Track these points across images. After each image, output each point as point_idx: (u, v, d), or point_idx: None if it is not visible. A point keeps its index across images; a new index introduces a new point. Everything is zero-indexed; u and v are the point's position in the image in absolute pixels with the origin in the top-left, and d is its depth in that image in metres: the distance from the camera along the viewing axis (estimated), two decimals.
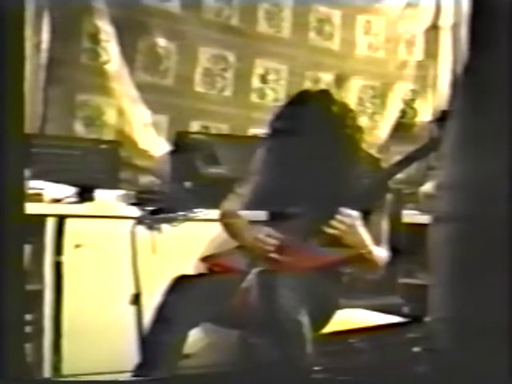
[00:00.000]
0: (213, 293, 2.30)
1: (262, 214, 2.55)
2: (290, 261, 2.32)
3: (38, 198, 2.74)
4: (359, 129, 2.54)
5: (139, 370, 2.32)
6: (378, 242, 2.42)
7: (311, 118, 2.45)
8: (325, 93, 2.63)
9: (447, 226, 1.27)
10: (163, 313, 2.31)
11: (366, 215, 2.42)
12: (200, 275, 2.47)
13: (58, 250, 2.76)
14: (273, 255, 2.34)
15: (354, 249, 2.33)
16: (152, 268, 2.50)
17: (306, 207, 2.34)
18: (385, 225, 2.49)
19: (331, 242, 2.33)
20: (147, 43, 3.68)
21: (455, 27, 4.45)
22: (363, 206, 2.39)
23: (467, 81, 1.29)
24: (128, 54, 3.62)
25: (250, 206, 2.54)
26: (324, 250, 2.35)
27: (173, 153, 3.40)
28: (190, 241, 2.82)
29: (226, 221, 2.56)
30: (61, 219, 2.77)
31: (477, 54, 1.26)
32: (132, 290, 2.47)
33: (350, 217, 2.30)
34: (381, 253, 2.43)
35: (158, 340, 2.31)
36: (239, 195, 2.55)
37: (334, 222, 2.29)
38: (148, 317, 2.37)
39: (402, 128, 4.41)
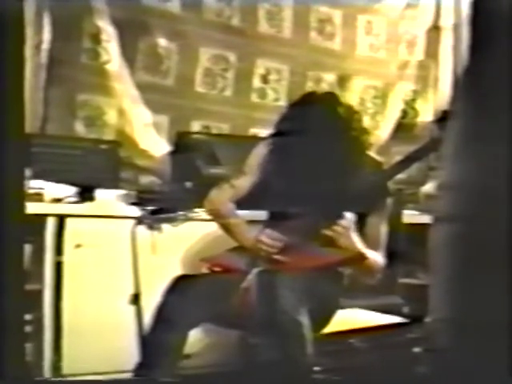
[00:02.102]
0: (213, 293, 2.29)
1: (261, 214, 2.56)
2: (290, 261, 2.32)
3: (38, 197, 2.74)
4: (364, 131, 2.54)
5: (139, 369, 2.32)
6: (375, 246, 2.42)
7: (316, 120, 2.45)
8: (330, 95, 2.62)
9: (448, 226, 1.27)
10: (163, 313, 2.31)
11: (365, 217, 2.42)
12: (200, 275, 2.47)
13: (59, 249, 2.76)
14: (273, 255, 2.34)
15: (348, 251, 2.33)
16: (152, 268, 2.50)
17: (306, 208, 2.34)
18: (383, 229, 2.48)
19: (330, 242, 2.33)
20: (148, 43, 3.68)
21: (456, 27, 4.44)
22: (363, 207, 2.39)
23: (468, 81, 1.29)
24: (129, 54, 3.61)
25: (251, 204, 2.54)
26: (324, 251, 2.35)
27: (173, 153, 3.40)
28: (191, 241, 2.82)
29: (212, 209, 2.56)
30: (61, 219, 2.76)
31: (477, 54, 1.26)
32: (132, 290, 2.47)
33: (344, 219, 2.31)
34: (377, 257, 2.42)
35: (158, 340, 2.31)
36: (233, 187, 2.55)
37: (330, 224, 2.29)
38: (148, 317, 2.37)
39: (403, 128, 4.41)
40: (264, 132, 2.91)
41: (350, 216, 2.32)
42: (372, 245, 2.40)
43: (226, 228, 2.54)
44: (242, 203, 2.56)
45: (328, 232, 2.29)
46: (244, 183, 2.55)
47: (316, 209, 2.33)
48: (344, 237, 2.30)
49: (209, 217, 2.59)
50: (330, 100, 2.54)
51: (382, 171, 2.53)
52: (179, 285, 2.36)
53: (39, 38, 3.36)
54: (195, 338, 2.45)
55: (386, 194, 2.49)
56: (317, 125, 2.44)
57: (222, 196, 2.55)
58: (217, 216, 2.56)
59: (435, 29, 4.51)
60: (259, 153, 2.57)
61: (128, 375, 2.35)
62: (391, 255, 2.49)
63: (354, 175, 2.41)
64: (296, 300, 2.16)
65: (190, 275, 2.45)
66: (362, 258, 2.35)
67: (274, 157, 2.52)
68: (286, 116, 2.55)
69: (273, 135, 2.56)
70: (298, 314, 2.14)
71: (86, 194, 2.84)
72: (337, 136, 2.45)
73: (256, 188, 2.53)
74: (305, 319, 2.15)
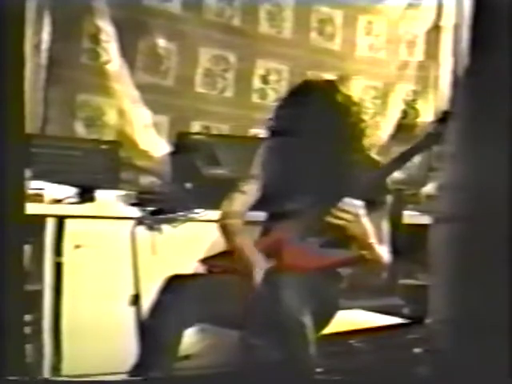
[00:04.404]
0: (208, 293, 2.29)
1: (261, 214, 2.55)
2: (291, 262, 2.32)
3: (38, 198, 2.73)
4: (362, 119, 2.52)
5: (136, 370, 2.31)
6: (379, 242, 2.41)
7: (315, 107, 2.43)
8: (329, 83, 2.60)
9: (448, 226, 1.27)
10: (156, 312, 2.30)
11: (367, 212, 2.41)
12: (194, 275, 2.46)
13: (58, 250, 2.76)
14: (273, 256, 2.34)
15: (357, 242, 2.32)
16: (152, 269, 2.50)
17: (306, 203, 2.33)
18: (385, 225, 2.48)
19: (333, 240, 2.33)
20: (148, 43, 3.68)
21: (456, 28, 4.44)
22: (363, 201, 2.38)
23: (468, 81, 1.29)
24: (128, 55, 3.61)
25: (254, 205, 2.52)
26: (326, 251, 2.34)
27: (173, 153, 3.40)
28: (191, 242, 2.82)
29: (227, 222, 2.54)
30: (61, 219, 2.76)
31: (478, 54, 1.26)
32: (132, 291, 2.46)
33: (354, 206, 2.28)
34: (383, 252, 2.42)
35: (152, 340, 2.30)
36: (243, 193, 2.53)
37: (338, 212, 2.26)
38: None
39: (404, 129, 4.40)
40: (264, 133, 2.90)
41: (359, 203, 2.29)
42: (376, 241, 2.39)
43: (223, 229, 2.53)
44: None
45: (337, 221, 2.27)
46: (253, 186, 2.53)
47: (315, 204, 2.32)
48: (355, 224, 2.28)
49: (219, 229, 2.56)
50: (328, 87, 2.52)
51: (378, 169, 2.51)
52: (172, 284, 2.34)
53: (39, 38, 3.36)
54: (195, 338, 2.44)
55: (385, 191, 2.49)
56: (315, 112, 2.42)
57: (237, 207, 2.52)
58: (225, 227, 2.53)
59: (435, 29, 4.50)
60: (260, 152, 2.57)
61: (127, 375, 2.34)
62: (392, 255, 2.48)
63: (352, 166, 2.40)
64: (298, 301, 2.15)
65: (184, 275, 2.43)
66: (364, 257, 2.34)
67: (273, 150, 2.51)
68: (284, 104, 2.53)
69: (271, 124, 2.53)
70: (300, 315, 2.13)
71: (85, 195, 2.84)
72: (335, 123, 2.43)
73: (259, 184, 2.52)
74: (307, 320, 2.15)
